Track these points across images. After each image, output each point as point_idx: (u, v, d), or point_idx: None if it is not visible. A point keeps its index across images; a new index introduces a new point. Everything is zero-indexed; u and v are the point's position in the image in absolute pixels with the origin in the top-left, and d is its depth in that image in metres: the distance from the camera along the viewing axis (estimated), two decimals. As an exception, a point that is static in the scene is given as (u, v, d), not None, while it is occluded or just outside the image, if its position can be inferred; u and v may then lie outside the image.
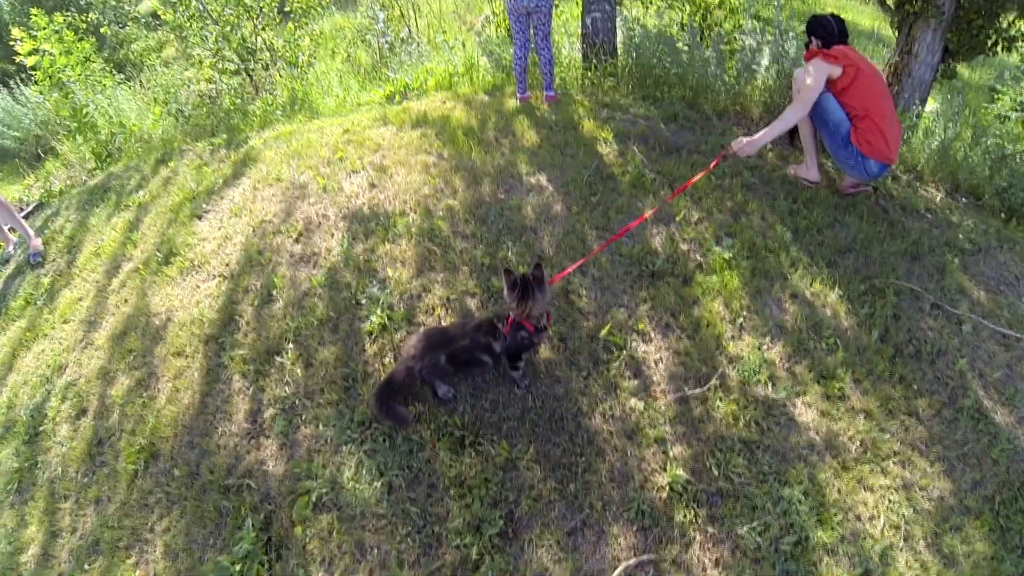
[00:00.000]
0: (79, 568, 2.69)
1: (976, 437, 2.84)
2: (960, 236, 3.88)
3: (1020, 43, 5.95)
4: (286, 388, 2.97)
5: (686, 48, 5.59)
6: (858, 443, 2.73)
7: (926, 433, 2.82)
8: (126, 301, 3.85)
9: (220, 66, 8.13)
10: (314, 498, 2.54)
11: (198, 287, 3.70)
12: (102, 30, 12.08)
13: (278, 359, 3.09)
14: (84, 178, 6.53)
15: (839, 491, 2.56)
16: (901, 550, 2.44)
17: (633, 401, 2.77)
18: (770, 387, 2.86)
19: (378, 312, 3.14)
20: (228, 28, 8.06)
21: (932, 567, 2.40)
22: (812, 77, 3.67)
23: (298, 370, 3.02)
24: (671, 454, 2.60)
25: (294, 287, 3.44)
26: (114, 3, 13.47)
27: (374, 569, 2.33)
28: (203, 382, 3.14)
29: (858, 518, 2.51)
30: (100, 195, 5.26)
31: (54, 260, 4.58)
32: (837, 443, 2.71)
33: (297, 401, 2.90)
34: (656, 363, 2.93)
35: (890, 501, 2.57)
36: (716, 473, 2.54)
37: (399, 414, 2.62)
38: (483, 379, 2.86)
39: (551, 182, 3.90)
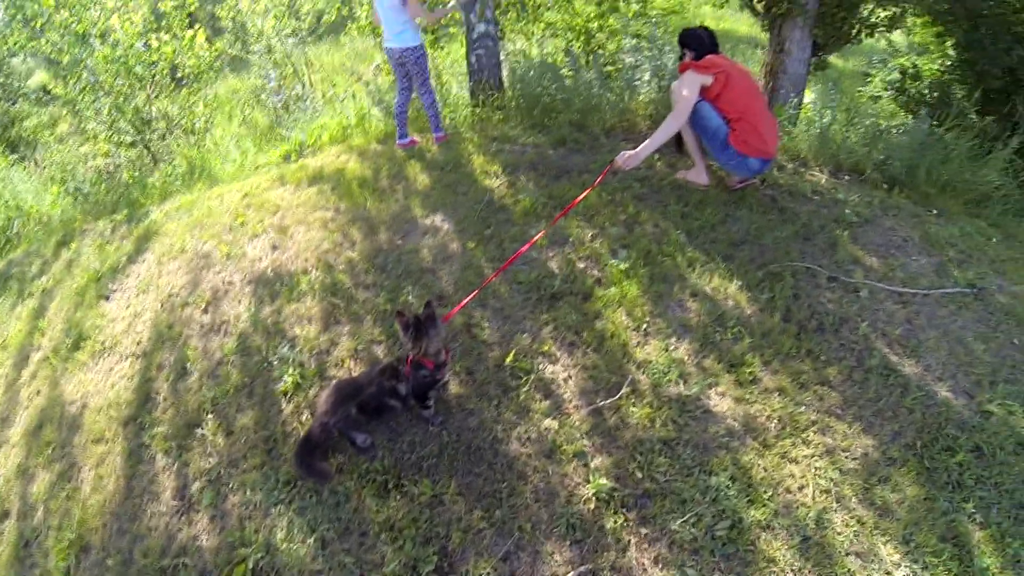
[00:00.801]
0: None
1: (888, 392, 3.09)
2: (847, 211, 4.23)
3: (881, 28, 6.56)
4: (210, 459, 3.01)
5: (570, 73, 5.95)
6: (776, 420, 2.91)
7: (840, 398, 3.04)
8: (39, 392, 3.83)
9: (116, 139, 8.18)
10: (251, 565, 2.57)
11: (111, 369, 3.72)
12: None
13: (199, 431, 3.15)
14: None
15: (765, 469, 2.73)
16: (835, 511, 2.61)
17: (547, 421, 2.90)
18: (682, 384, 3.03)
19: (290, 371, 3.24)
20: (121, 99, 8.13)
21: (868, 520, 2.58)
22: (686, 88, 3.99)
23: (220, 440, 3.07)
24: (592, 465, 2.72)
25: (207, 358, 3.52)
26: (2, 79, 13.31)
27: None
28: (126, 465, 3.16)
29: (788, 491, 2.67)
30: (1, 285, 5.20)
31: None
32: (756, 425, 2.89)
33: (222, 471, 2.95)
34: (565, 381, 3.08)
35: (816, 468, 2.75)
36: (640, 475, 2.67)
37: (321, 470, 2.71)
38: (398, 422, 2.96)
39: (445, 221, 4.09)
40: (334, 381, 3.07)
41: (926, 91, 6.75)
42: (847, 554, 2.46)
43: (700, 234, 3.90)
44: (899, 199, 4.62)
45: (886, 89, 7.15)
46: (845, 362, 3.21)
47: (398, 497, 2.68)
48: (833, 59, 10.16)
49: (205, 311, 3.82)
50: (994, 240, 4.44)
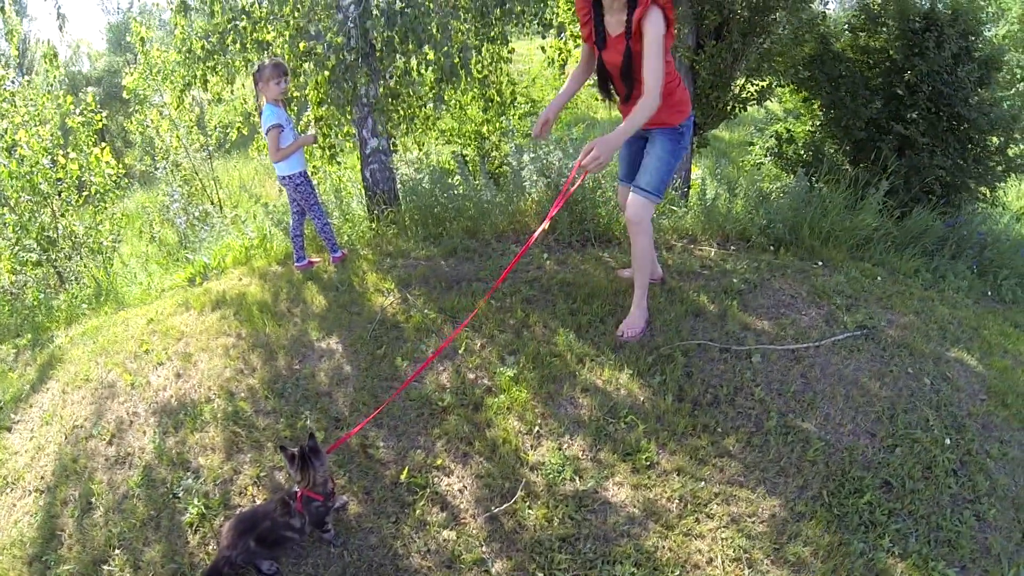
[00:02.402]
0: None
1: (789, 450, 3.32)
2: (735, 280, 4.56)
3: (752, 102, 7.28)
4: None
5: (460, 181, 6.32)
6: (677, 500, 3.08)
7: (741, 466, 3.24)
8: None
9: (21, 257, 8.12)
10: None
11: (15, 505, 3.70)
12: None
13: (105, 568, 3.17)
14: None
15: (670, 550, 2.87)
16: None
17: (445, 532, 3.01)
18: (577, 480, 3.19)
19: (195, 503, 3.30)
20: (27, 216, 8.15)
21: None
22: (657, 44, 3.33)
23: (130, 573, 3.07)
24: (492, 571, 2.83)
25: (112, 491, 3.55)
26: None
27: None
28: None
29: (696, 566, 2.82)
30: None
31: None
32: (656, 508, 3.05)
33: None
34: (460, 492, 3.20)
35: (723, 539, 2.91)
36: (541, 575, 2.77)
37: None
38: (302, 546, 3.05)
39: (340, 343, 4.26)
40: (237, 512, 3.17)
41: (801, 151, 7.47)
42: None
43: (589, 329, 4.13)
44: (786, 258, 5.02)
45: (766, 155, 7.84)
46: (743, 429, 3.43)
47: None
48: (720, 132, 11.07)
49: (110, 443, 3.86)
50: (879, 279, 4.89)
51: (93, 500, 3.54)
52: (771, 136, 7.89)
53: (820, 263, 5.01)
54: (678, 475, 3.18)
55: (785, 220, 5.41)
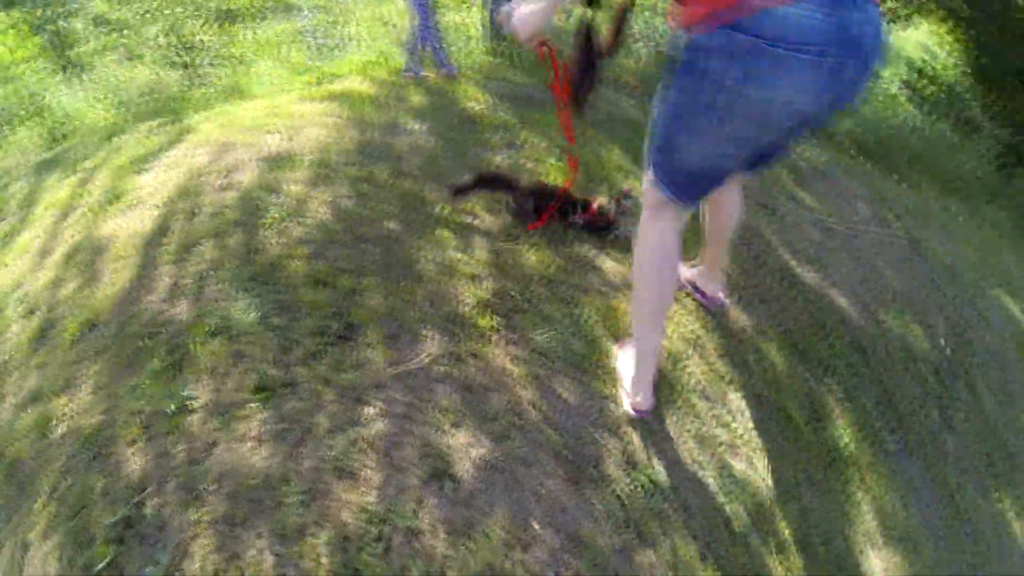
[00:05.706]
0: (18, 414, 3.35)
1: (776, 284, 3.38)
2: (801, 163, 4.54)
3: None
4: (200, 266, 3.70)
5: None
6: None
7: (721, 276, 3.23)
8: (77, 233, 4.61)
9: (165, 59, 9.30)
10: (210, 326, 3.23)
11: (140, 215, 4.49)
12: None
13: (197, 248, 3.86)
14: (37, 157, 7.36)
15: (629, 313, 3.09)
16: (688, 358, 2.98)
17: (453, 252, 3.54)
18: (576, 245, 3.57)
19: (273, 212, 3.96)
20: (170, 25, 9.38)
21: (724, 372, 2.92)
22: None
23: (214, 252, 3.77)
24: (482, 286, 3.27)
25: (214, 205, 4.18)
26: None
27: (246, 369, 3.02)
28: (136, 271, 3.82)
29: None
30: (54, 165, 6.10)
31: (12, 215, 5.36)
32: (629, 281, 3.23)
33: (207, 271, 3.64)
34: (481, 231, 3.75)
35: (676, 321, 3.10)
36: (518, 297, 3.18)
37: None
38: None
39: (425, 126, 4.89)
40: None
41: (942, 93, 6.75)
42: (698, 396, 2.84)
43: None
44: (864, 166, 4.91)
45: (898, 87, 7.09)
46: (738, 256, 3.48)
47: (324, 287, 3.36)
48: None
49: (219, 177, 4.55)
50: (961, 217, 4.66)
51: (196, 211, 4.19)
52: (906, 65, 7.20)
53: (897, 177, 4.88)
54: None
55: (877, 133, 5.25)
